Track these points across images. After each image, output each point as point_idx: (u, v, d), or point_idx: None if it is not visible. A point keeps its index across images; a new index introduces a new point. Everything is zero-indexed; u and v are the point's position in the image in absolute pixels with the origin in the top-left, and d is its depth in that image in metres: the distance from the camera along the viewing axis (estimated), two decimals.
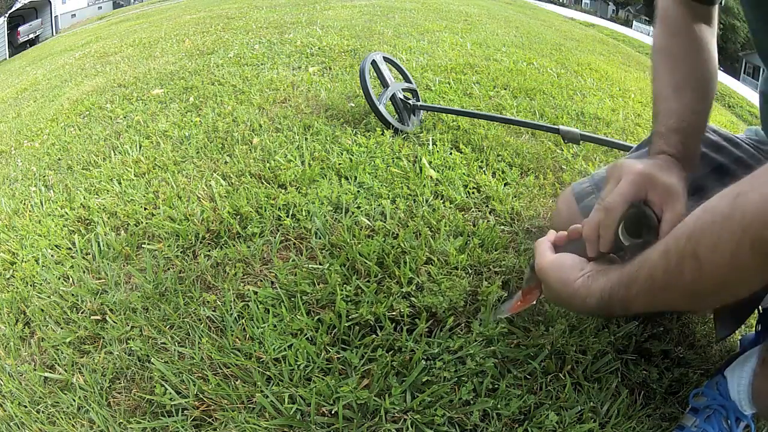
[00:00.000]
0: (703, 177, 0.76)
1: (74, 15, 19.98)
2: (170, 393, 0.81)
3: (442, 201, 1.26)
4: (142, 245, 1.17)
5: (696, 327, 1.00)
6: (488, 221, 1.19)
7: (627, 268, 0.51)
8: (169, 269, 1.08)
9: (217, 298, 0.98)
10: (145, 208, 1.32)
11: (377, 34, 3.70)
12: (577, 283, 0.57)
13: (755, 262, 0.38)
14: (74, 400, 0.83)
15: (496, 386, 0.80)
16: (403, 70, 1.93)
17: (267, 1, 6.50)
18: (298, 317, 0.91)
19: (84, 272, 1.12)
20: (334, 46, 3.15)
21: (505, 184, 1.38)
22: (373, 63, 1.74)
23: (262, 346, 0.86)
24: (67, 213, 1.37)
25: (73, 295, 1.05)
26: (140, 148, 1.75)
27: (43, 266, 1.17)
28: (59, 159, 1.85)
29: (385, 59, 1.83)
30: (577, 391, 0.82)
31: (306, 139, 1.63)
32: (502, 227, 1.18)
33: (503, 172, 1.45)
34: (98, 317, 0.99)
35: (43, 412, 0.83)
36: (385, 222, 1.15)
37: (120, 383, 0.86)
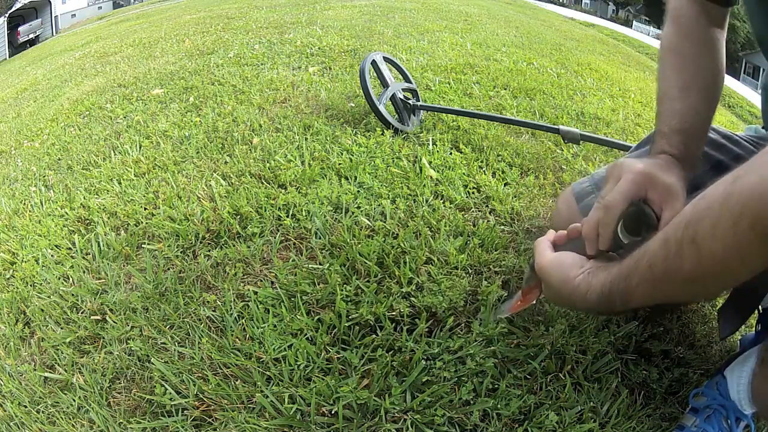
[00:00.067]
0: (702, 175, 0.76)
1: (74, 15, 19.98)
2: (170, 393, 0.81)
3: (442, 201, 1.26)
4: (142, 245, 1.17)
5: (696, 327, 1.00)
6: (488, 221, 1.19)
7: (627, 260, 0.51)
8: (169, 269, 1.08)
9: (217, 298, 0.98)
10: (145, 208, 1.32)
11: (377, 34, 3.70)
12: (578, 279, 0.57)
13: (755, 243, 0.38)
14: (74, 400, 0.83)
15: (496, 386, 0.80)
16: (403, 70, 1.93)
17: (267, 1, 6.50)
18: (298, 317, 0.91)
19: (84, 272, 1.12)
20: (334, 46, 3.15)
21: (505, 184, 1.38)
22: (373, 63, 1.74)
23: (262, 346, 0.86)
24: (67, 213, 1.37)
25: (73, 295, 1.05)
26: (140, 148, 1.75)
27: (43, 266, 1.17)
28: (59, 159, 1.85)
29: (385, 59, 1.83)
30: (577, 391, 0.82)
31: (306, 139, 1.63)
32: (502, 227, 1.18)
33: (503, 172, 1.45)
34: (98, 317, 0.99)
35: (43, 412, 0.83)
36: (385, 222, 1.15)
37: (120, 383, 0.86)
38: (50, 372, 0.90)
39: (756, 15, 0.69)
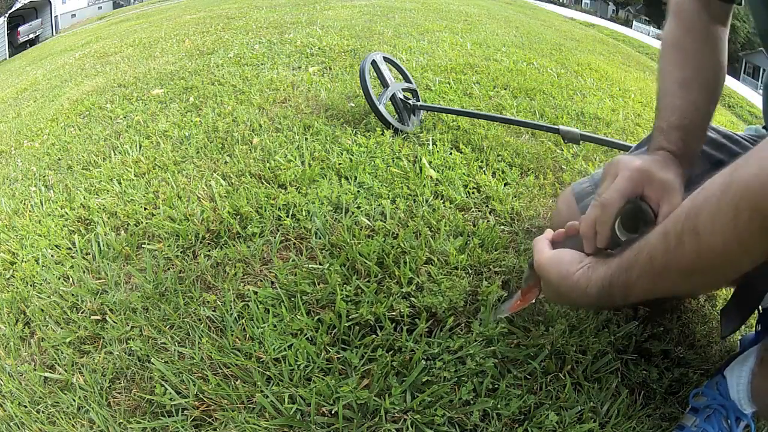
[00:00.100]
0: (702, 174, 0.76)
1: (74, 15, 19.98)
2: (170, 393, 0.81)
3: (442, 201, 1.26)
4: (142, 245, 1.17)
5: (696, 327, 1.00)
6: (488, 221, 1.19)
7: (626, 253, 0.51)
8: (169, 269, 1.08)
9: (217, 298, 0.98)
10: (145, 208, 1.32)
11: (377, 34, 3.70)
12: (577, 274, 0.57)
13: (755, 234, 0.38)
14: (74, 400, 0.83)
15: (496, 386, 0.80)
16: (403, 70, 1.93)
17: (267, 1, 6.50)
18: (298, 317, 0.91)
19: (84, 272, 1.12)
20: (334, 46, 3.15)
21: (505, 184, 1.38)
22: (373, 63, 1.74)
23: (262, 346, 0.86)
24: (67, 213, 1.37)
25: (73, 295, 1.05)
26: (140, 148, 1.75)
27: (43, 266, 1.17)
28: (59, 159, 1.85)
29: (385, 59, 1.83)
30: (577, 391, 0.82)
31: (306, 139, 1.63)
32: (502, 227, 1.18)
33: (503, 172, 1.45)
34: (98, 317, 0.99)
35: (43, 412, 0.83)
36: (385, 222, 1.15)
37: (120, 383, 0.86)
38: (50, 372, 0.90)
39: (759, 11, 0.69)
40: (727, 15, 0.72)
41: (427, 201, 1.25)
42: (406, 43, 3.38)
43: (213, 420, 0.78)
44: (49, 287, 1.09)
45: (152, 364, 0.86)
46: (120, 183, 1.49)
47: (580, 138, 1.53)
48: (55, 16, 18.74)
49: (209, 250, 1.12)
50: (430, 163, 1.44)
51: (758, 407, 0.74)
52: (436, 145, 1.57)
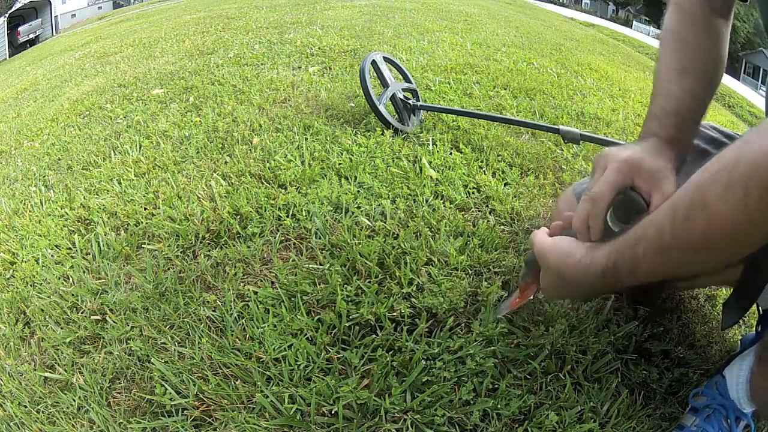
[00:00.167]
0: None
1: (74, 15, 19.98)
2: (170, 393, 0.81)
3: (442, 201, 1.26)
4: (142, 245, 1.17)
5: (696, 327, 1.00)
6: (488, 221, 1.19)
7: (632, 230, 0.50)
8: (169, 269, 1.08)
9: (217, 298, 0.98)
10: (145, 208, 1.32)
11: (377, 34, 3.70)
12: (578, 254, 0.56)
13: (765, 211, 0.37)
14: (74, 400, 0.83)
15: (496, 386, 0.80)
16: (403, 70, 1.93)
17: (267, 1, 6.50)
18: (298, 317, 0.91)
19: (84, 272, 1.12)
20: (334, 46, 3.15)
21: (505, 184, 1.38)
22: (373, 63, 1.74)
23: (262, 346, 0.86)
24: (67, 213, 1.37)
25: (73, 295, 1.05)
26: (140, 148, 1.75)
27: (43, 266, 1.17)
28: (59, 159, 1.85)
29: (385, 59, 1.83)
30: (577, 391, 0.82)
31: (306, 139, 1.63)
32: (502, 227, 1.18)
33: (503, 172, 1.45)
34: (98, 317, 0.99)
35: (43, 412, 0.84)
36: (385, 222, 1.15)
37: (120, 383, 0.86)
38: (50, 372, 0.90)
39: (765, 4, 0.68)
40: (729, 9, 0.72)
41: (427, 201, 1.25)
42: (406, 43, 3.38)
43: (213, 420, 0.78)
44: (49, 287, 1.09)
45: (152, 364, 0.86)
46: (120, 183, 1.49)
47: (580, 138, 1.53)
48: (55, 16, 18.74)
49: (209, 250, 1.12)
50: (430, 163, 1.44)
51: (757, 406, 0.74)
52: (436, 145, 1.57)
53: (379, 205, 1.22)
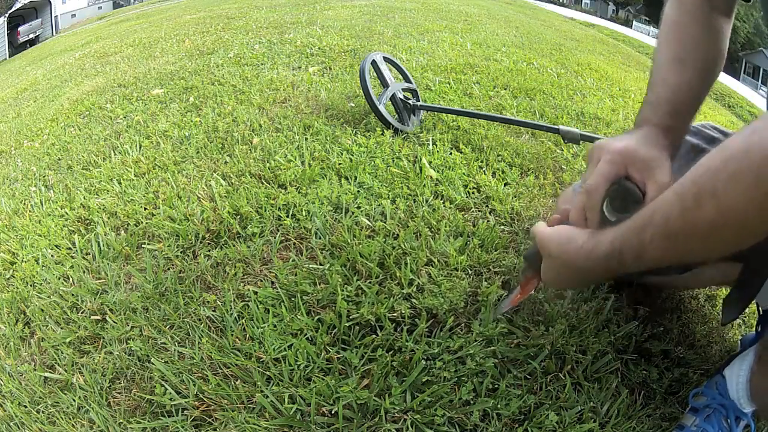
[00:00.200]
0: None
1: (74, 15, 19.98)
2: (170, 393, 0.81)
3: (442, 201, 1.26)
4: (142, 245, 1.17)
5: (696, 327, 1.00)
6: (488, 221, 1.19)
7: (638, 215, 0.49)
8: (169, 269, 1.08)
9: (217, 298, 0.98)
10: (145, 208, 1.32)
11: (377, 34, 3.70)
12: (581, 239, 0.56)
13: None
14: (74, 400, 0.83)
15: (496, 386, 0.80)
16: (403, 70, 1.93)
17: (267, 1, 6.50)
18: (298, 317, 0.91)
19: (84, 272, 1.12)
20: (334, 46, 3.15)
21: (505, 184, 1.38)
22: (373, 63, 1.74)
23: (262, 346, 0.86)
24: (67, 213, 1.37)
25: (73, 295, 1.05)
26: (140, 148, 1.75)
27: (43, 266, 1.17)
28: (59, 159, 1.85)
29: (385, 59, 1.83)
30: (577, 391, 0.82)
31: (306, 139, 1.63)
32: (502, 227, 1.18)
33: (503, 172, 1.45)
34: (98, 317, 0.99)
35: (43, 412, 0.84)
36: (385, 222, 1.15)
37: (120, 383, 0.86)
38: (50, 372, 0.90)
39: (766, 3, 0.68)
40: (730, 7, 0.72)
41: (427, 201, 1.25)
42: (406, 43, 3.38)
43: (213, 420, 0.78)
44: (49, 287, 1.09)
45: (152, 364, 0.86)
46: (120, 183, 1.49)
47: (580, 138, 1.53)
48: (55, 16, 18.74)
49: (209, 250, 1.12)
50: (430, 163, 1.44)
51: (757, 406, 0.74)
52: (436, 145, 1.57)
53: (379, 205, 1.22)
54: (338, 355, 0.84)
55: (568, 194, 0.88)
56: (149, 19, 7.72)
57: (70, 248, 1.22)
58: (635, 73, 4.39)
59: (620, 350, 0.89)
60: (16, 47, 15.27)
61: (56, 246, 1.24)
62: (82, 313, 1.01)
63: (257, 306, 0.94)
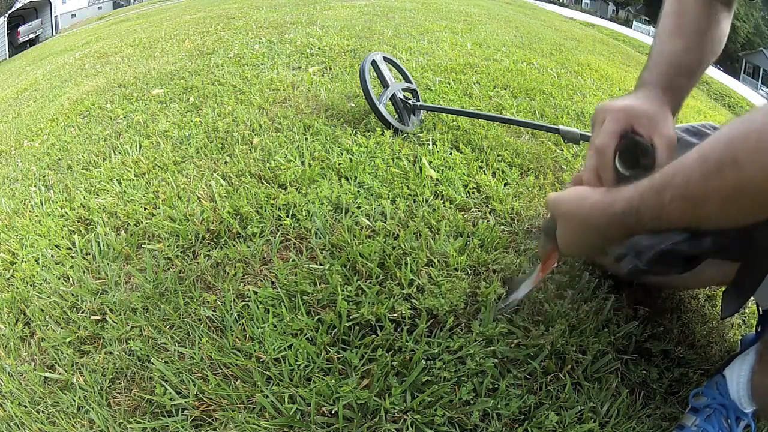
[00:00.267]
0: None
1: (74, 15, 19.99)
2: (170, 393, 0.81)
3: (442, 201, 1.26)
4: (142, 245, 1.17)
5: (696, 327, 1.00)
6: (488, 221, 1.19)
7: (658, 174, 0.49)
8: (169, 269, 1.08)
9: (217, 298, 0.98)
10: (145, 208, 1.32)
11: (377, 34, 3.70)
12: (597, 196, 0.56)
13: None
14: (74, 400, 0.83)
15: (496, 386, 0.80)
16: (403, 70, 1.93)
17: (267, 1, 6.50)
18: (299, 317, 0.91)
19: (84, 272, 1.12)
20: (334, 46, 3.15)
21: (505, 184, 1.38)
22: (373, 63, 1.74)
23: (262, 346, 0.86)
24: (67, 213, 1.37)
25: (73, 295, 1.05)
26: (140, 148, 1.75)
27: (43, 266, 1.17)
28: (59, 159, 1.85)
29: (385, 59, 1.83)
30: (577, 391, 0.82)
31: (306, 139, 1.63)
32: (502, 227, 1.18)
33: (503, 172, 1.45)
34: (98, 317, 0.99)
35: (43, 412, 0.84)
36: (385, 222, 1.15)
37: (120, 383, 0.86)
38: (50, 372, 0.90)
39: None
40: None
41: (427, 201, 1.25)
42: (406, 43, 3.38)
43: (213, 420, 0.78)
44: (49, 287, 1.09)
45: (152, 364, 0.86)
46: (120, 183, 1.49)
47: (580, 138, 1.53)
48: (55, 16, 18.75)
49: (209, 250, 1.12)
50: (430, 163, 1.44)
51: (759, 406, 0.74)
52: (436, 145, 1.57)
53: (379, 205, 1.22)
54: (338, 355, 0.84)
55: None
56: (149, 19, 7.72)
57: (70, 248, 1.22)
58: (635, 73, 4.38)
59: (620, 350, 0.89)
60: (16, 47, 15.28)
61: (56, 246, 1.24)
62: (82, 313, 1.01)
63: (257, 306, 0.94)
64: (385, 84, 1.75)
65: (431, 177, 1.36)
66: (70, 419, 0.81)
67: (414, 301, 0.93)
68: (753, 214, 0.44)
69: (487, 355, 0.84)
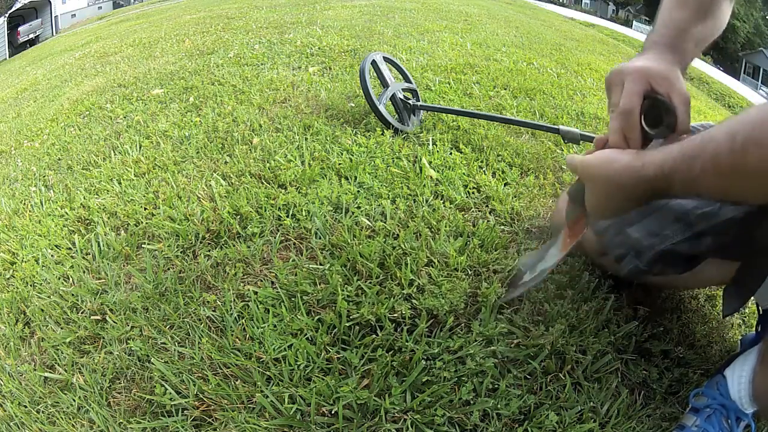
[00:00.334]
0: None
1: (74, 15, 19.99)
2: (170, 393, 0.81)
3: (442, 201, 1.26)
4: (142, 245, 1.17)
5: (696, 327, 1.00)
6: (488, 221, 1.19)
7: (689, 142, 0.50)
8: (169, 269, 1.08)
9: (217, 298, 0.98)
10: (145, 208, 1.32)
11: (377, 34, 3.70)
12: (626, 158, 0.56)
13: None
14: (74, 400, 0.83)
15: (496, 386, 0.80)
16: (403, 70, 1.93)
17: (267, 1, 6.50)
18: (299, 317, 0.91)
19: (84, 272, 1.12)
20: (334, 46, 3.15)
21: (505, 184, 1.38)
22: (373, 63, 1.74)
23: (262, 346, 0.86)
24: (67, 213, 1.37)
25: (73, 295, 1.05)
26: (140, 148, 1.75)
27: (43, 266, 1.17)
28: (59, 159, 1.85)
29: (385, 59, 1.83)
30: (577, 391, 0.82)
31: (306, 139, 1.63)
32: (502, 227, 1.18)
33: (503, 172, 1.45)
34: (98, 317, 0.99)
35: (43, 412, 0.84)
36: (385, 222, 1.15)
37: (120, 383, 0.86)
38: (50, 372, 0.90)
39: None
40: None
41: (427, 201, 1.25)
42: (406, 43, 3.38)
43: (213, 420, 0.78)
44: (49, 287, 1.09)
45: (152, 364, 0.86)
46: (120, 183, 1.49)
47: (580, 138, 1.52)
48: (55, 16, 18.75)
49: (209, 250, 1.12)
50: (430, 163, 1.44)
51: (760, 406, 0.74)
52: (436, 145, 1.57)
53: (379, 205, 1.22)
54: (338, 355, 0.84)
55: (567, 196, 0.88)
56: (149, 19, 7.72)
57: (70, 248, 1.22)
58: None
59: (620, 350, 0.89)
60: (16, 47, 15.28)
61: (56, 246, 1.24)
62: (82, 313, 1.01)
63: (257, 306, 0.94)
64: (385, 84, 1.75)
65: (431, 177, 1.36)
66: (70, 419, 0.81)
67: (414, 301, 0.93)
68: None
69: (487, 355, 0.84)
